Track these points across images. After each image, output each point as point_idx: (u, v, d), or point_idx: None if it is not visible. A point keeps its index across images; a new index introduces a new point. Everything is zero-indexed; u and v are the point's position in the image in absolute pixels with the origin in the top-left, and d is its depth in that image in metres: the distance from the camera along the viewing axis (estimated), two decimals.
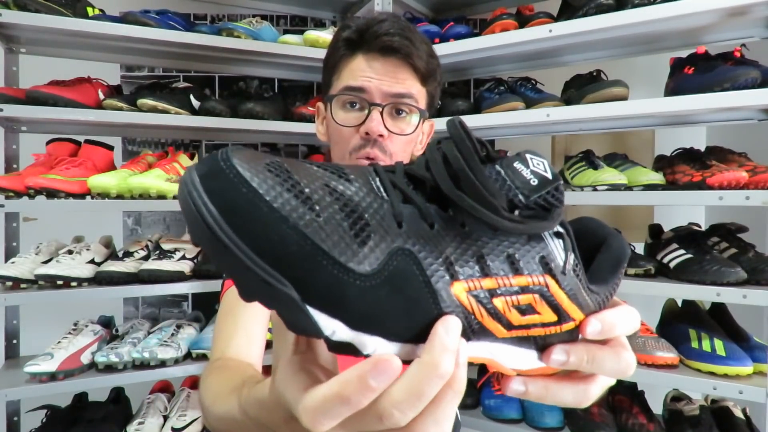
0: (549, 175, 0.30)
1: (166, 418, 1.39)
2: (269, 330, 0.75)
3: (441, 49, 1.41)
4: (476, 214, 0.27)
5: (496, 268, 0.28)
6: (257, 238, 0.24)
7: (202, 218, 0.24)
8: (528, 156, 0.31)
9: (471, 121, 1.43)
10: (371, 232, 0.26)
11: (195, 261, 1.48)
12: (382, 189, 0.28)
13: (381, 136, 0.72)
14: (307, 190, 0.26)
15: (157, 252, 1.45)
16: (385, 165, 0.31)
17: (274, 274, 0.24)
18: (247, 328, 0.68)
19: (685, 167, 1.25)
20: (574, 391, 0.31)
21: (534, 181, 0.29)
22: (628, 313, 0.31)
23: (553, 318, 0.29)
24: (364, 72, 0.73)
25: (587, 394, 0.31)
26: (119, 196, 1.33)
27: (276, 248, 0.24)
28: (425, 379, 0.25)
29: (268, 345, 0.75)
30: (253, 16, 1.64)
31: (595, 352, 0.30)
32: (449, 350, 0.25)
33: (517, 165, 0.30)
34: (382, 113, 0.72)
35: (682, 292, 1.20)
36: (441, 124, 1.49)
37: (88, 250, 1.40)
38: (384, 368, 0.24)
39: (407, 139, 0.75)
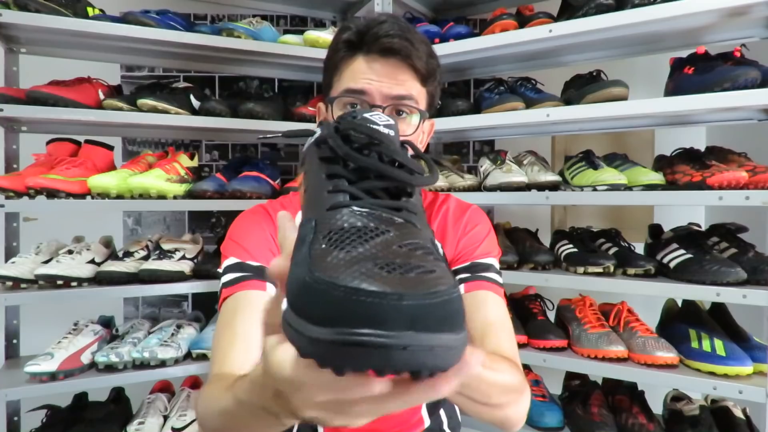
0: (391, 120, 0.34)
1: (166, 418, 1.39)
2: None
3: (441, 49, 1.41)
4: (426, 183, 0.32)
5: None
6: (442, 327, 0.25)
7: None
8: (368, 115, 0.34)
9: (471, 121, 1.43)
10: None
11: (195, 261, 1.48)
12: (399, 218, 0.30)
13: None
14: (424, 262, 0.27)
15: (157, 252, 1.45)
16: (346, 193, 0.32)
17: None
18: (246, 337, 0.68)
19: (685, 167, 1.25)
20: None
21: (392, 132, 0.33)
22: None
23: None
24: (364, 74, 0.73)
25: None
26: (119, 196, 1.33)
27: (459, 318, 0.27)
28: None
29: None
30: (253, 16, 1.64)
31: None
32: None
33: (375, 128, 0.33)
34: None
35: (682, 292, 1.20)
36: (441, 123, 1.46)
37: (88, 250, 1.40)
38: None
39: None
